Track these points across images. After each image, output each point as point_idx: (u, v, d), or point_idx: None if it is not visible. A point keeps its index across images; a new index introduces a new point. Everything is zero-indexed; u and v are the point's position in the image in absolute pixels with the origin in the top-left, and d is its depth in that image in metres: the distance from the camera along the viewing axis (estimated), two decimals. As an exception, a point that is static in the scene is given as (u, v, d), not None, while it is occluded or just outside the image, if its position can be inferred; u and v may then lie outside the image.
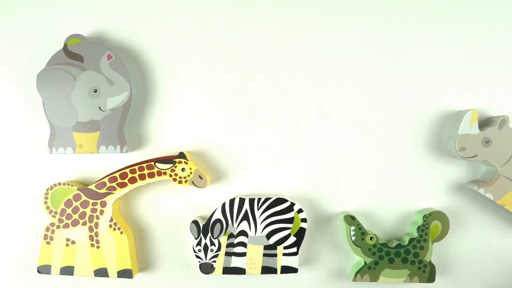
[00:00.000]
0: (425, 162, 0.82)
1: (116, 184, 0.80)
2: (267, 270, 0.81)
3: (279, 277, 0.86)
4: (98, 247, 0.82)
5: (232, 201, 0.81)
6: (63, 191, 0.81)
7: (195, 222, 0.81)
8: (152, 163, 0.80)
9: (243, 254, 0.81)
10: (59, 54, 0.80)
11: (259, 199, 0.81)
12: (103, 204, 0.81)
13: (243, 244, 0.81)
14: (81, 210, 0.81)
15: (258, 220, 0.81)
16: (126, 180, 0.80)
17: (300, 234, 0.81)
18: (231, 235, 0.81)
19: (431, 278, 0.80)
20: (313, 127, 0.83)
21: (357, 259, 0.83)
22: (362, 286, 0.85)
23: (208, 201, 0.84)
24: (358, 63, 0.82)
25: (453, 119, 0.81)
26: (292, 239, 0.81)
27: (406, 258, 0.80)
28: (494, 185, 0.78)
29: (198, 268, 0.81)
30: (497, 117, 0.78)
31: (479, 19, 0.80)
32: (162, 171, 0.80)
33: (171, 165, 0.80)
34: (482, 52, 0.81)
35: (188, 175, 0.80)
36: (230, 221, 0.81)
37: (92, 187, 0.81)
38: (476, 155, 0.77)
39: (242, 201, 0.81)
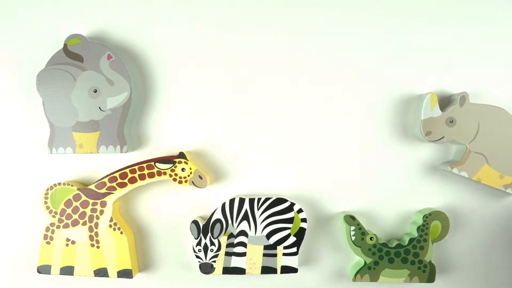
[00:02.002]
0: (422, 157, 0.83)
1: (116, 184, 0.80)
2: (267, 270, 0.81)
3: (279, 277, 0.86)
4: (98, 247, 0.82)
5: (232, 201, 0.81)
6: (63, 191, 0.81)
7: (195, 222, 0.81)
8: (152, 163, 0.80)
9: (243, 254, 0.81)
10: (59, 54, 0.80)
11: (259, 199, 0.81)
12: (103, 204, 0.81)
13: (243, 244, 0.81)
14: (81, 210, 0.81)
15: (258, 220, 0.81)
16: (126, 180, 0.80)
17: (300, 234, 0.81)
18: (231, 235, 0.81)
19: (431, 278, 0.80)
20: (313, 127, 0.83)
21: (357, 259, 0.83)
22: (362, 286, 0.85)
23: (208, 201, 0.84)
24: (362, 64, 0.82)
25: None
26: (292, 239, 0.81)
27: (406, 258, 0.80)
28: (466, 162, 0.78)
29: (198, 268, 0.81)
30: (457, 94, 0.78)
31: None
32: (162, 171, 0.80)
33: (171, 165, 0.80)
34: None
35: (188, 175, 0.80)
36: (230, 221, 0.81)
37: (92, 187, 0.81)
38: (443, 137, 0.77)
39: (242, 201, 0.81)
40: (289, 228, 0.81)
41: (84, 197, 0.81)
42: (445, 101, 0.80)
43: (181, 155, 0.80)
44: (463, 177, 0.78)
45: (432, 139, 0.77)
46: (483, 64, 0.81)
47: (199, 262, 0.81)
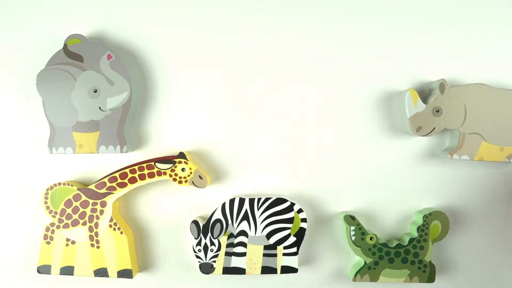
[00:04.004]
0: (424, 159, 0.83)
1: (116, 184, 0.80)
2: (267, 270, 0.81)
3: (279, 277, 0.86)
4: (98, 247, 0.82)
5: (232, 201, 0.81)
6: (63, 191, 0.81)
7: (195, 222, 0.81)
8: (152, 163, 0.80)
9: (243, 254, 0.81)
10: (59, 54, 0.80)
11: (259, 199, 0.81)
12: (103, 204, 0.81)
13: (243, 244, 0.81)
14: (81, 210, 0.81)
15: (258, 220, 0.81)
16: (126, 180, 0.80)
17: (300, 234, 0.81)
18: (231, 235, 0.81)
19: (431, 278, 0.80)
20: (313, 127, 0.83)
21: (357, 259, 0.83)
22: (362, 286, 0.85)
23: (208, 201, 0.84)
24: (363, 63, 0.82)
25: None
26: (292, 239, 0.81)
27: (406, 258, 0.80)
28: (463, 146, 0.78)
29: (198, 268, 0.81)
30: (435, 82, 0.78)
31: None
32: (162, 171, 0.80)
33: (171, 165, 0.80)
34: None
35: (188, 175, 0.80)
36: (230, 221, 0.81)
37: (92, 187, 0.81)
38: (434, 128, 0.77)
39: (242, 201, 0.81)
40: (289, 228, 0.81)
41: (84, 197, 0.81)
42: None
43: (181, 155, 0.80)
44: (465, 160, 0.78)
45: (424, 133, 0.77)
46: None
47: (199, 262, 0.81)
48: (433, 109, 0.77)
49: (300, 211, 0.81)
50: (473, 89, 0.77)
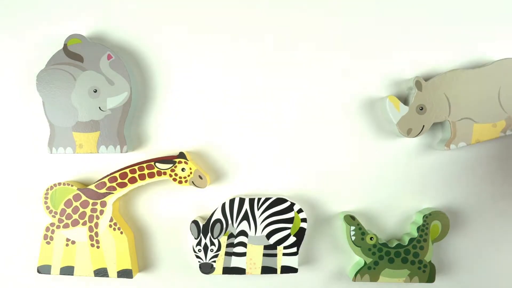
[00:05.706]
0: (424, 158, 0.83)
1: (116, 184, 0.80)
2: (267, 270, 0.81)
3: (279, 277, 0.86)
4: (98, 247, 0.82)
5: (232, 201, 0.81)
6: (63, 191, 0.81)
7: (195, 222, 0.81)
8: (152, 163, 0.80)
9: (243, 254, 0.81)
10: (59, 54, 0.80)
11: (259, 199, 0.81)
12: (103, 204, 0.81)
13: (243, 244, 0.81)
14: (81, 210, 0.81)
15: (258, 220, 0.81)
16: (126, 180, 0.80)
17: (300, 234, 0.81)
18: (231, 235, 0.81)
19: (431, 278, 0.80)
20: (313, 127, 0.83)
21: (357, 259, 0.83)
22: (362, 286, 0.85)
23: (208, 201, 0.84)
24: (362, 59, 0.82)
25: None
26: (292, 239, 0.81)
27: (406, 258, 0.80)
28: (457, 134, 0.77)
29: (198, 268, 0.81)
30: (410, 81, 0.78)
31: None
32: (162, 171, 0.80)
33: (171, 165, 0.80)
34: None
35: (188, 175, 0.80)
36: (230, 221, 0.81)
37: (92, 187, 0.81)
38: (423, 126, 0.77)
39: (242, 201, 0.81)
40: (289, 228, 0.81)
41: (84, 197, 0.81)
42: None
43: (181, 155, 0.80)
44: (463, 147, 0.78)
45: (415, 134, 0.77)
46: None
47: (199, 262, 0.81)
48: (416, 108, 0.77)
49: (300, 211, 0.81)
50: (449, 76, 0.77)
